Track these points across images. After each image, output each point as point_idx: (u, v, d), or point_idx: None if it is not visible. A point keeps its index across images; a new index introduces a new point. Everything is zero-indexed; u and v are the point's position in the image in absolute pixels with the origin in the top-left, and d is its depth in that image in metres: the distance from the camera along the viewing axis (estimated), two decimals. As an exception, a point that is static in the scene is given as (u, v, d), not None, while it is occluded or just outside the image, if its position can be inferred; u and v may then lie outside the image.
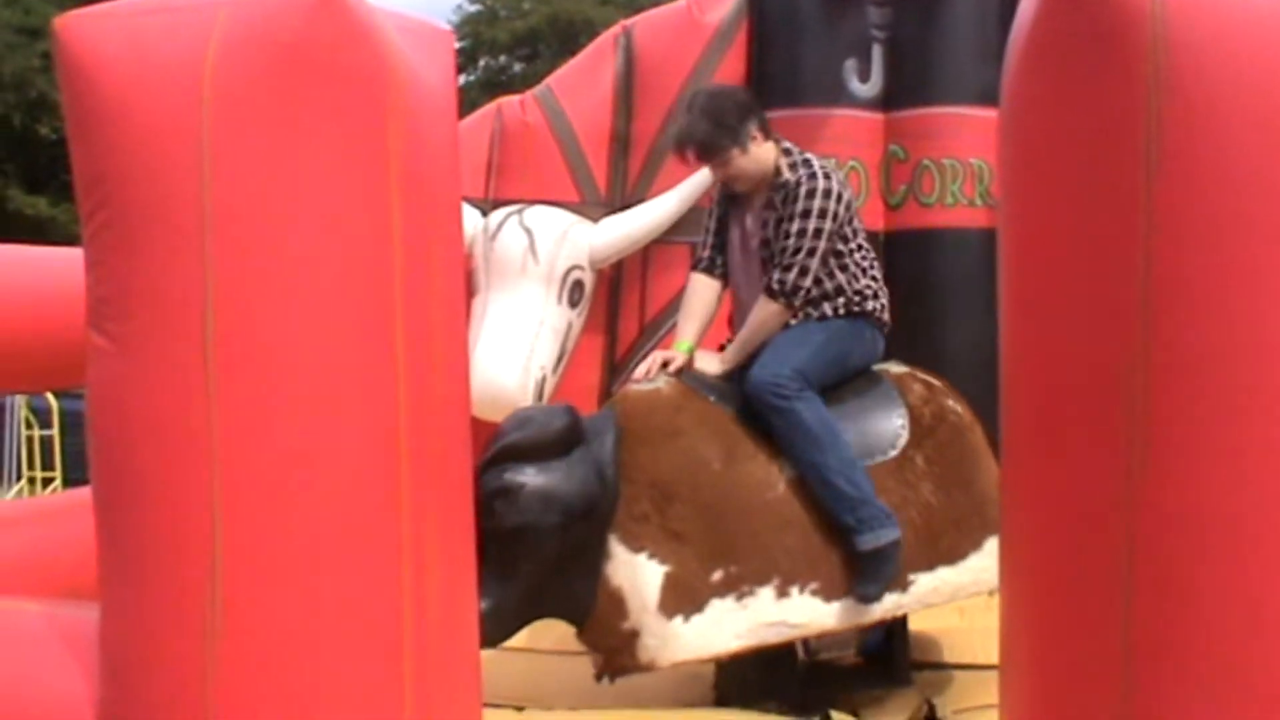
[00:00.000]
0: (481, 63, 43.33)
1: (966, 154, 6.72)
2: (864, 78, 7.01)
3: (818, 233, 4.84)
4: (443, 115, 3.70)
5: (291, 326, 3.26)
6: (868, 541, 4.66)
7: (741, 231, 5.13)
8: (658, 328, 7.04)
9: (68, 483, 14.21)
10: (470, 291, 6.80)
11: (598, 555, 4.56)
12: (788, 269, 4.85)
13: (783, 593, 4.59)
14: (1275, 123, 2.84)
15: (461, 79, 42.18)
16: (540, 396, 6.73)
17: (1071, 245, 3.07)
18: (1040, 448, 3.23)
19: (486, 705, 3.84)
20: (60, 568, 5.32)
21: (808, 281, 4.87)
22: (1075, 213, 3.05)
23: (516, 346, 6.67)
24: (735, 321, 5.14)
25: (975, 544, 4.86)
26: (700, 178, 6.86)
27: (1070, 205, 3.06)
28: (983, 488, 4.88)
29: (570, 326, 6.93)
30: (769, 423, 4.74)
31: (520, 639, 4.74)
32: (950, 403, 5.09)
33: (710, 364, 4.99)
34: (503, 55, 43.33)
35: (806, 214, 4.84)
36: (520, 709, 4.85)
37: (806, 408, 4.72)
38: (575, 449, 4.55)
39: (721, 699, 4.95)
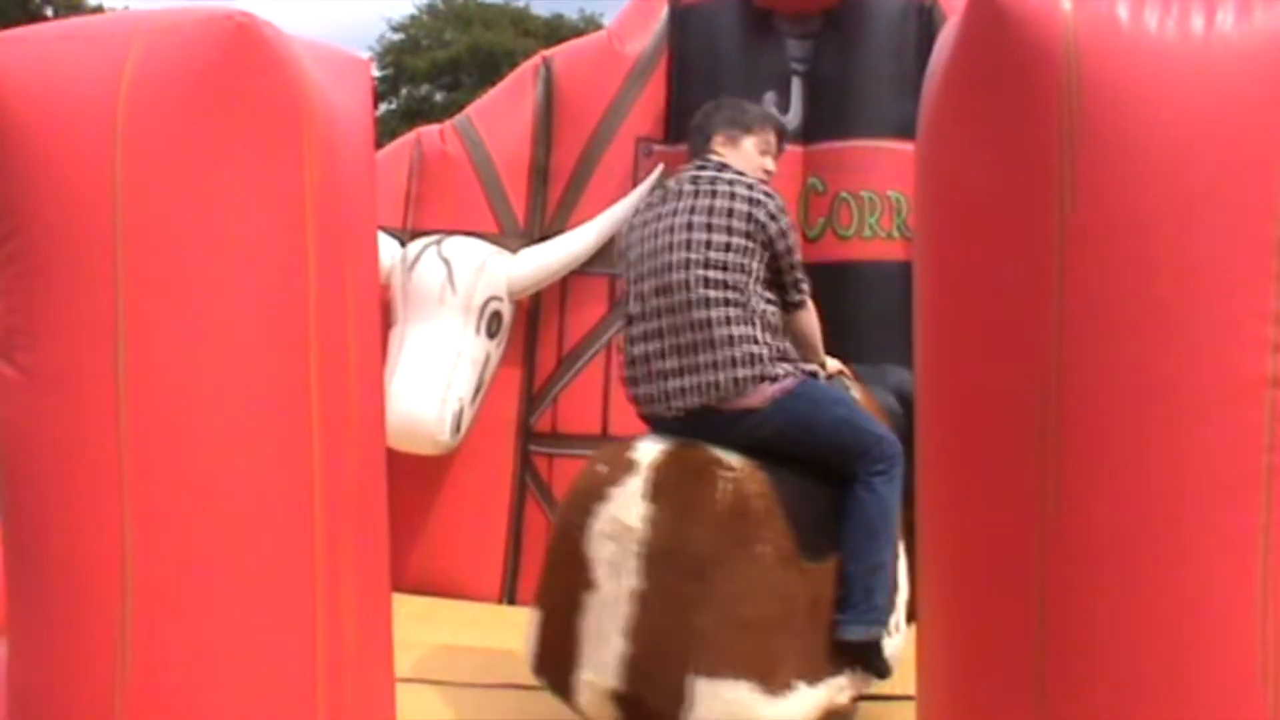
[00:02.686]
0: (403, 91, 43.38)
1: (884, 187, 6.73)
2: (783, 110, 6.99)
3: None
4: (359, 145, 3.69)
5: (204, 358, 3.23)
6: None
7: None
8: (576, 359, 7.02)
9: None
10: (388, 322, 6.76)
11: None
12: None
13: None
14: (1183, 164, 2.89)
15: (382, 108, 42.16)
16: (458, 428, 6.69)
17: (986, 279, 3.10)
18: (954, 480, 3.26)
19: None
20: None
21: None
22: (990, 248, 3.08)
23: (434, 378, 6.62)
24: None
25: None
26: (618, 210, 6.86)
27: (985, 240, 3.09)
28: None
29: (488, 358, 6.88)
30: None
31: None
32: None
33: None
34: (424, 84, 43.43)
35: None
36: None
37: None
38: None
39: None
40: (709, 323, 4.65)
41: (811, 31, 7.04)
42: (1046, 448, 2.98)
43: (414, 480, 6.82)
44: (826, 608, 4.51)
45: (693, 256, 4.71)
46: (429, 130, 7.37)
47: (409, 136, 7.40)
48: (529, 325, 7.14)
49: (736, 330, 4.65)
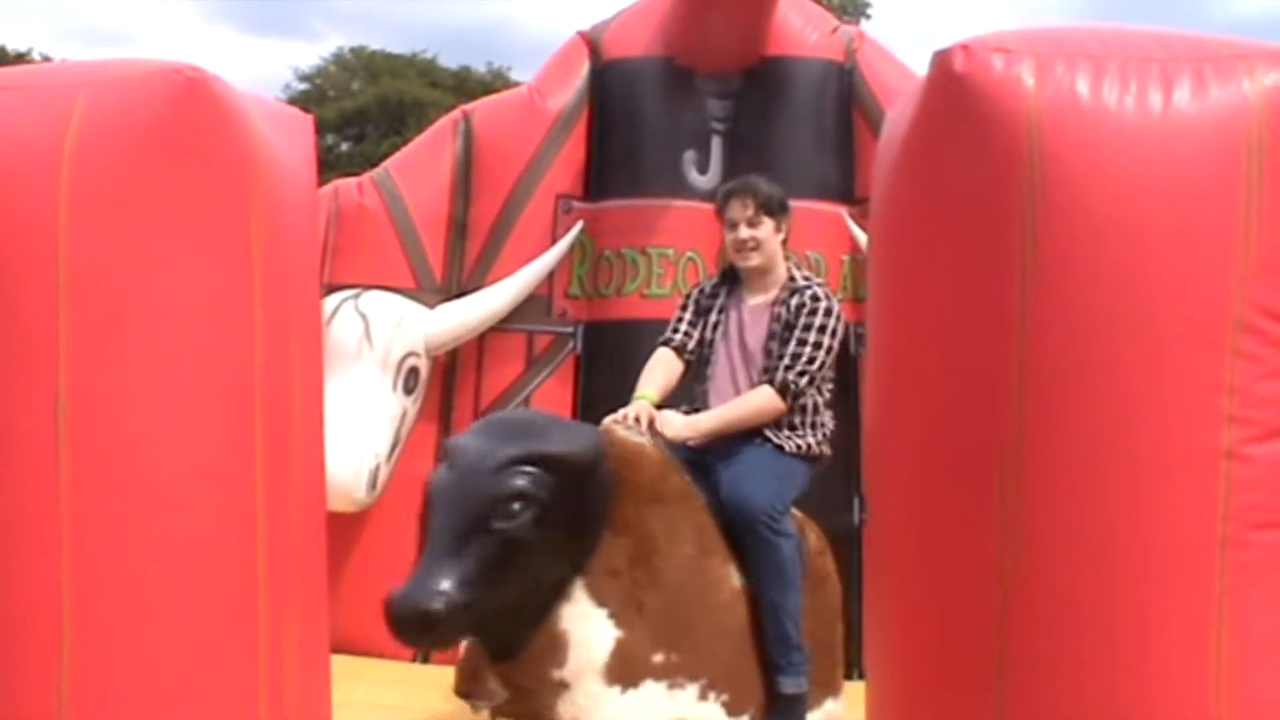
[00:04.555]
0: (309, 142, 43.25)
1: (802, 247, 6.72)
2: (703, 169, 7.03)
3: (828, 349, 5.02)
4: (304, 199, 3.66)
5: (147, 412, 3.18)
6: (789, 685, 4.73)
7: (739, 324, 5.20)
8: (493, 415, 6.97)
9: None
10: (305, 376, 6.67)
11: (555, 592, 4.34)
12: (801, 374, 4.96)
13: (703, 695, 4.56)
14: (1142, 237, 2.93)
15: (284, 158, 41.98)
16: (374, 485, 6.62)
17: (946, 347, 3.11)
18: (912, 543, 3.26)
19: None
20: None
21: (811, 388, 5.03)
22: (951, 316, 3.09)
23: (350, 434, 6.55)
24: (709, 405, 5.14)
25: (815, 700, 4.94)
26: (537, 266, 6.84)
27: (946, 308, 3.10)
28: (835, 652, 5.08)
29: (405, 414, 6.82)
30: (746, 544, 4.76)
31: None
32: (828, 562, 5.17)
33: (672, 426, 4.93)
34: (330, 135, 43.21)
35: (822, 329, 5.00)
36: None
37: (787, 545, 4.79)
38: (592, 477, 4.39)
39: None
40: None
41: (732, 91, 7.08)
42: (1006, 511, 3.00)
43: (328, 537, 6.71)
44: None
45: None
46: (346, 183, 7.31)
47: (326, 189, 7.30)
48: (445, 381, 7.08)
49: None
